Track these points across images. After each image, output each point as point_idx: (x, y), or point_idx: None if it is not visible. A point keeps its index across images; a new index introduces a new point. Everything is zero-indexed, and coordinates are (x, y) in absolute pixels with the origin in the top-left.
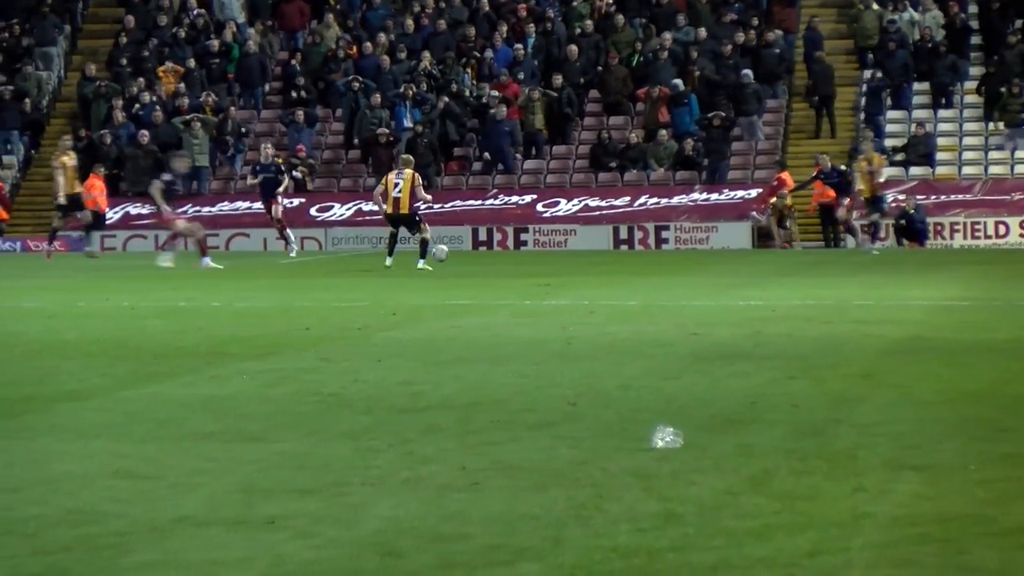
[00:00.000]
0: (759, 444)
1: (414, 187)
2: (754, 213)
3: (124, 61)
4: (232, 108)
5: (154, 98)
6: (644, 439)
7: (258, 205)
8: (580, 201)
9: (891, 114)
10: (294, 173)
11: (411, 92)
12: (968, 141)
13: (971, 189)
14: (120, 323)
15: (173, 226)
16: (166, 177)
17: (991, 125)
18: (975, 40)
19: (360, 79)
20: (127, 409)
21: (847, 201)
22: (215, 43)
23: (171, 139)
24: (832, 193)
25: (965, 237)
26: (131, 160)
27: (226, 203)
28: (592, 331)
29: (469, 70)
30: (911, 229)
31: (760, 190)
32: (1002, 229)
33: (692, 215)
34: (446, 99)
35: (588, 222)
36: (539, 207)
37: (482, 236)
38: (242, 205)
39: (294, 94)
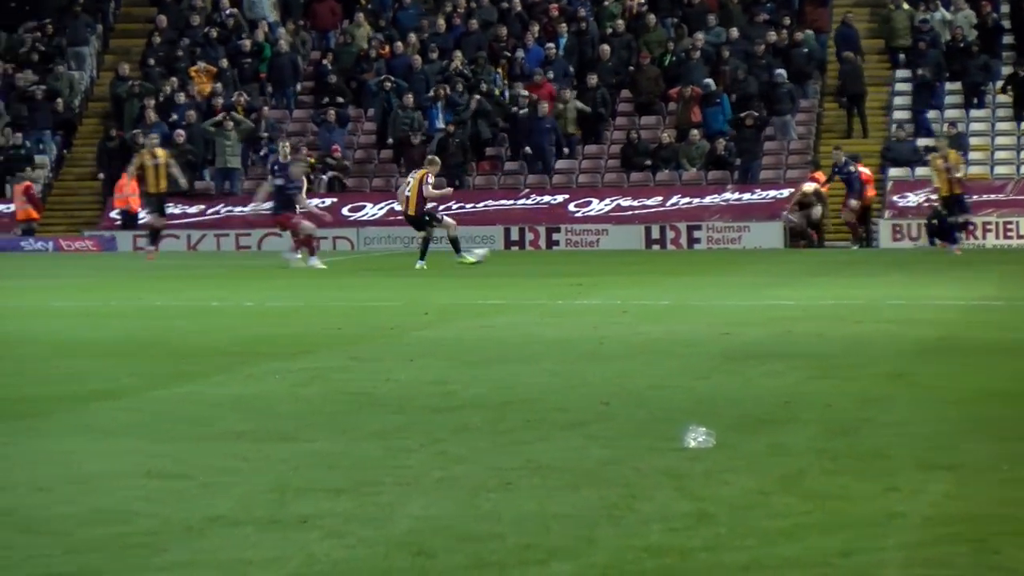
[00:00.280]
0: (791, 444)
1: (421, 186)
2: (786, 213)
3: (155, 61)
4: (265, 108)
5: (187, 99)
6: (676, 439)
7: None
8: (612, 201)
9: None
10: (328, 174)
11: (443, 93)
12: (1000, 141)
13: (1003, 189)
14: (152, 323)
15: (299, 228)
16: (277, 181)
17: (1023, 125)
18: (1007, 40)
19: (392, 79)
20: (159, 409)
21: (853, 203)
22: (247, 43)
23: (205, 139)
24: (872, 192)
25: (997, 237)
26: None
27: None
28: (624, 331)
29: (500, 70)
30: (943, 229)
31: (792, 190)
32: None
33: (724, 215)
34: (478, 97)
35: (620, 222)
36: (571, 207)
37: (514, 236)
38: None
39: (326, 98)
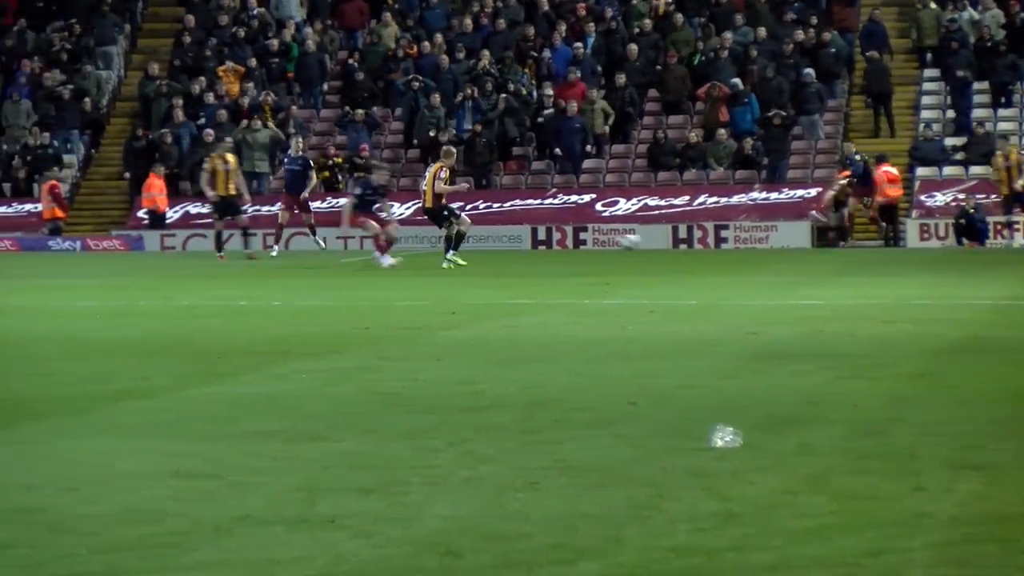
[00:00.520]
0: (818, 443)
1: (435, 179)
2: (815, 212)
3: (183, 61)
4: (292, 107)
5: (215, 99)
6: (703, 438)
7: (315, 204)
8: (639, 200)
9: (950, 113)
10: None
11: (471, 93)
12: None
13: None
14: (181, 322)
15: (367, 228)
16: (357, 191)
17: None
18: None
19: (420, 78)
20: (187, 408)
21: (852, 200)
22: (274, 42)
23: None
24: (898, 192)
25: None
26: (192, 160)
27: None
28: (651, 330)
29: (528, 70)
30: (971, 228)
31: (820, 189)
32: None
33: (752, 214)
34: (505, 96)
35: (647, 221)
36: (598, 206)
37: (541, 235)
38: None
39: (355, 101)
